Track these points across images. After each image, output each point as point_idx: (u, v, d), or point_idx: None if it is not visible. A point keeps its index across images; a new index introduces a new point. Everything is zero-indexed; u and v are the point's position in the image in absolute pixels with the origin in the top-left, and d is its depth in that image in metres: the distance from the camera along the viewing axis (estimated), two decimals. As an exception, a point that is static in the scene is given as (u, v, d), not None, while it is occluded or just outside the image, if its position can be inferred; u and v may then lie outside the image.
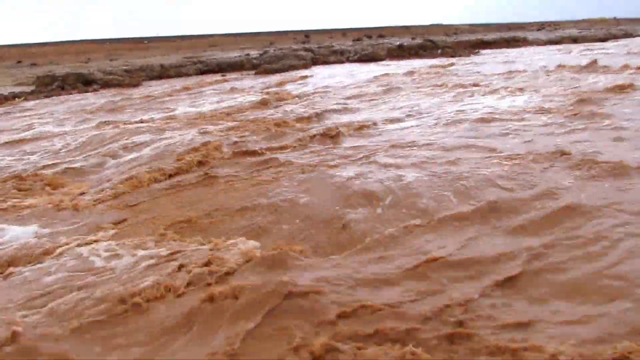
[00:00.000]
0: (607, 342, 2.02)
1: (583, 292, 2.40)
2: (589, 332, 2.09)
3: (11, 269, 3.01)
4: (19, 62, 32.93)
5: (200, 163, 5.30)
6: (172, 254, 2.97)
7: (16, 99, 14.42)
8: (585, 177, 3.94)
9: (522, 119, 6.38)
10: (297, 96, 10.34)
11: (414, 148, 5.29)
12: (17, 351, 2.20)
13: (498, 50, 22.37)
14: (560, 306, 2.30)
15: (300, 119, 7.52)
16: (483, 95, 8.71)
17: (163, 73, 19.61)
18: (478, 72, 12.63)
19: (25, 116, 10.29)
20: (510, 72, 12.00)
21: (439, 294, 2.43)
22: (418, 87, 10.43)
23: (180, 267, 2.78)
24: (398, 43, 24.68)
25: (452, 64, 15.75)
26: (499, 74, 11.85)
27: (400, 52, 22.16)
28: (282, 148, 5.79)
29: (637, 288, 2.39)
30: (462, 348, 2.04)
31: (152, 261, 2.89)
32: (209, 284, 2.60)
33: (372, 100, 9.29)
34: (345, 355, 2.01)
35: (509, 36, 28.08)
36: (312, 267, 2.78)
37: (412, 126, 6.59)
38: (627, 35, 28.22)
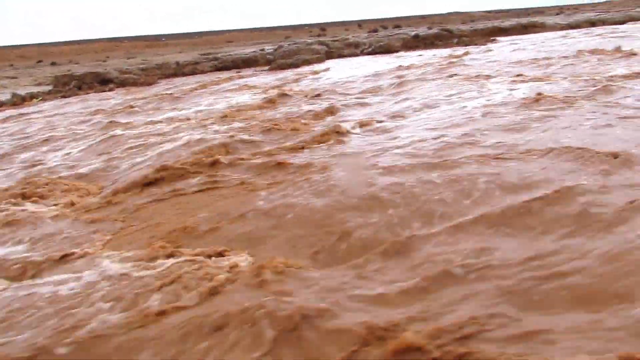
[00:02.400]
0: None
1: None
2: None
3: None
4: (40, 61, 33.53)
5: (204, 166, 5.24)
6: (164, 267, 2.91)
7: (34, 99, 14.65)
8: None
9: (531, 111, 6.11)
10: (308, 92, 10.22)
11: (422, 146, 5.11)
12: None
13: (516, 37, 21.78)
14: None
15: (308, 116, 7.41)
16: (494, 85, 8.45)
17: (178, 71, 19.69)
18: (492, 61, 12.30)
19: (39, 117, 10.41)
20: (526, 60, 11.64)
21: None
22: (430, 79, 10.18)
23: (172, 281, 2.71)
24: (414, 33, 24.24)
25: (467, 53, 15.40)
26: (514, 62, 11.51)
27: (416, 43, 21.77)
28: (288, 149, 5.68)
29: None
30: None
31: (141, 274, 2.83)
32: (198, 303, 2.52)
33: (382, 94, 9.11)
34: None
35: (527, 22, 27.28)
36: (310, 281, 2.68)
37: (420, 121, 6.41)
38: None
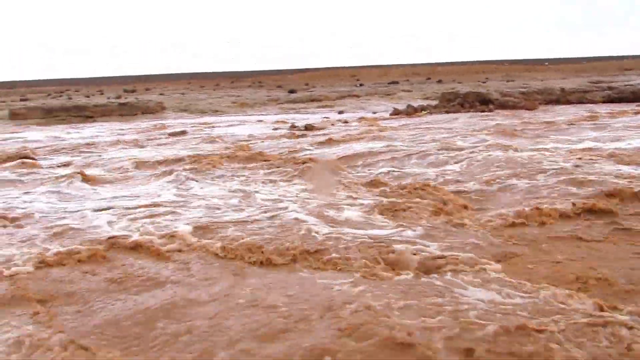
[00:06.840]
0: None
1: None
2: None
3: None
4: (428, 78, 37.87)
5: (605, 211, 4.61)
6: (597, 317, 2.63)
7: (422, 111, 16.60)
8: None
9: None
10: None
11: None
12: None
13: None
14: None
15: None
16: None
17: (562, 97, 18.55)
18: None
19: (429, 128, 11.61)
20: None
21: None
22: None
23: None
24: None
25: None
26: None
27: None
28: None
29: None
30: None
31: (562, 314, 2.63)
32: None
33: None
34: None
35: None
36: None
37: None
38: None
